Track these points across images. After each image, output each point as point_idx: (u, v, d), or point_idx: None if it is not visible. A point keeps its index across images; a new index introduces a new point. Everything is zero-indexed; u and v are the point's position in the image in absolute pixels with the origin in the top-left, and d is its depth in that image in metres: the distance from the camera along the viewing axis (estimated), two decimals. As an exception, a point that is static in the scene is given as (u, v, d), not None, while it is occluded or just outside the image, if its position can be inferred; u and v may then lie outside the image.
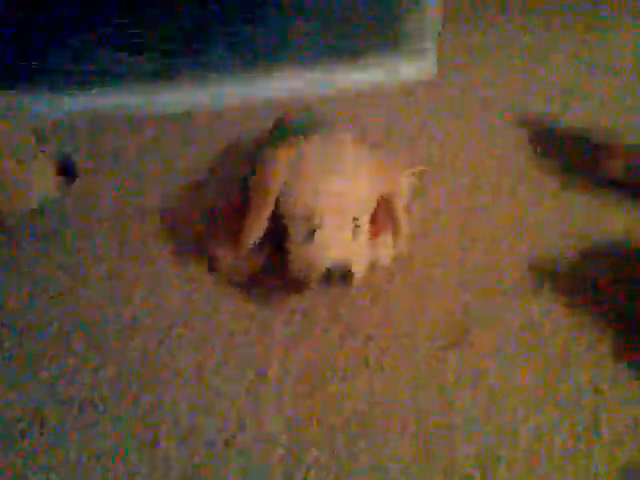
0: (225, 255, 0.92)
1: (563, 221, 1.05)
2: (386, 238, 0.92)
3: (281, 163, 0.84)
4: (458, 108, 1.29)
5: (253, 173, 0.88)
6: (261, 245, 0.88)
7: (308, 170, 0.83)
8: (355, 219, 0.83)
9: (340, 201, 0.82)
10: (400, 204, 0.88)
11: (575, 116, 1.26)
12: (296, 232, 0.83)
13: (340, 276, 0.80)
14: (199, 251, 0.97)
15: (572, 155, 1.17)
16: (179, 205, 1.06)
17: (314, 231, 0.82)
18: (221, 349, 0.86)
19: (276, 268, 0.92)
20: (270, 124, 1.05)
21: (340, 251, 0.81)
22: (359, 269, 0.82)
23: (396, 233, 0.89)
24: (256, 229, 0.85)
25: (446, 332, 0.88)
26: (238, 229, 0.87)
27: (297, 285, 0.89)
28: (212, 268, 0.95)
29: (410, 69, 1.36)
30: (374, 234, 0.89)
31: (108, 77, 1.22)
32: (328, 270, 0.80)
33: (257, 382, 0.83)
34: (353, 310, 0.90)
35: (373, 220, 0.87)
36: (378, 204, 0.87)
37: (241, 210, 0.89)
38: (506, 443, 0.77)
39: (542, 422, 0.79)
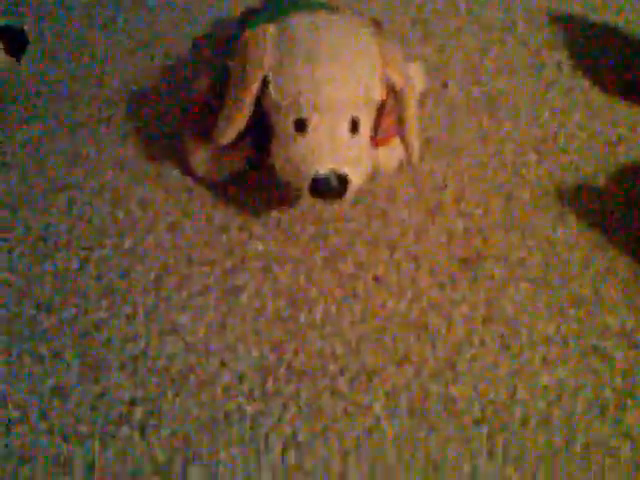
0: (200, 151, 0.78)
1: (598, 131, 0.88)
2: (393, 143, 0.77)
3: (265, 43, 0.67)
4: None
5: (233, 55, 0.72)
6: (242, 140, 0.73)
7: (298, 52, 0.66)
8: (354, 117, 0.67)
9: (337, 92, 0.66)
10: (412, 102, 0.72)
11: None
12: (282, 127, 0.68)
13: (333, 185, 0.66)
14: (171, 145, 0.82)
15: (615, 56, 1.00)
16: (149, 90, 0.90)
17: (304, 127, 0.66)
18: (185, 261, 0.73)
19: (259, 169, 0.77)
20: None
21: (334, 154, 0.66)
22: (357, 178, 0.67)
23: (406, 138, 0.73)
24: (235, 122, 0.69)
25: (454, 262, 0.74)
26: (215, 122, 0.72)
27: (282, 192, 0.76)
28: (185, 166, 0.80)
29: None
30: (380, 140, 0.74)
31: None
32: (316, 178, 0.66)
33: (227, 302, 0.70)
34: (344, 229, 0.76)
35: (378, 121, 0.72)
36: (385, 101, 0.71)
37: (218, 102, 0.73)
38: (519, 400, 0.64)
39: (564, 376, 0.66)
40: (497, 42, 1.01)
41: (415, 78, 0.86)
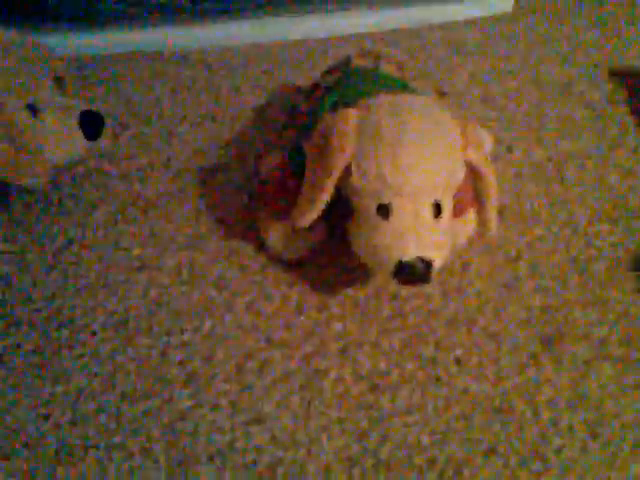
0: (275, 230, 0.78)
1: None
2: (466, 214, 0.77)
3: (349, 129, 0.67)
4: (535, 51, 1.12)
5: (309, 137, 0.72)
6: (318, 219, 0.73)
7: (382, 137, 0.66)
8: (437, 201, 0.67)
9: (422, 178, 0.66)
10: (491, 178, 0.71)
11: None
12: (364, 212, 0.68)
13: (419, 271, 0.66)
14: (243, 222, 0.84)
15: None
16: (218, 164, 0.91)
17: (387, 213, 0.66)
18: (265, 344, 0.73)
19: (334, 249, 0.78)
20: (321, 71, 0.89)
21: (419, 240, 0.66)
22: (440, 261, 0.67)
23: (484, 212, 0.73)
24: (316, 205, 0.69)
25: (535, 341, 0.73)
26: (292, 204, 0.72)
27: (356, 270, 0.76)
28: (259, 243, 0.80)
29: (482, 3, 1.19)
30: (455, 212, 0.74)
31: (134, 12, 1.07)
32: (402, 263, 0.66)
33: (310, 388, 0.69)
34: (421, 307, 0.76)
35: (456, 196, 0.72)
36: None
37: (293, 181, 0.74)
38: None
39: None
40: (557, 101, 1.02)
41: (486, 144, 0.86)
